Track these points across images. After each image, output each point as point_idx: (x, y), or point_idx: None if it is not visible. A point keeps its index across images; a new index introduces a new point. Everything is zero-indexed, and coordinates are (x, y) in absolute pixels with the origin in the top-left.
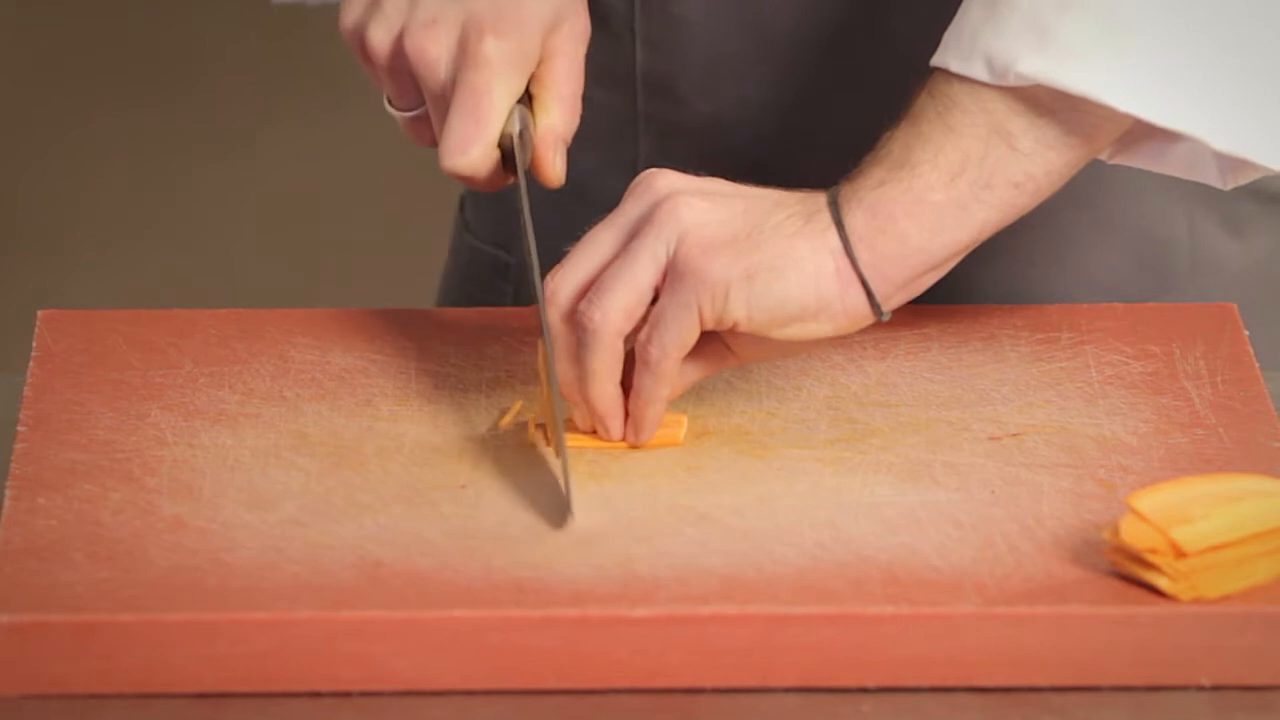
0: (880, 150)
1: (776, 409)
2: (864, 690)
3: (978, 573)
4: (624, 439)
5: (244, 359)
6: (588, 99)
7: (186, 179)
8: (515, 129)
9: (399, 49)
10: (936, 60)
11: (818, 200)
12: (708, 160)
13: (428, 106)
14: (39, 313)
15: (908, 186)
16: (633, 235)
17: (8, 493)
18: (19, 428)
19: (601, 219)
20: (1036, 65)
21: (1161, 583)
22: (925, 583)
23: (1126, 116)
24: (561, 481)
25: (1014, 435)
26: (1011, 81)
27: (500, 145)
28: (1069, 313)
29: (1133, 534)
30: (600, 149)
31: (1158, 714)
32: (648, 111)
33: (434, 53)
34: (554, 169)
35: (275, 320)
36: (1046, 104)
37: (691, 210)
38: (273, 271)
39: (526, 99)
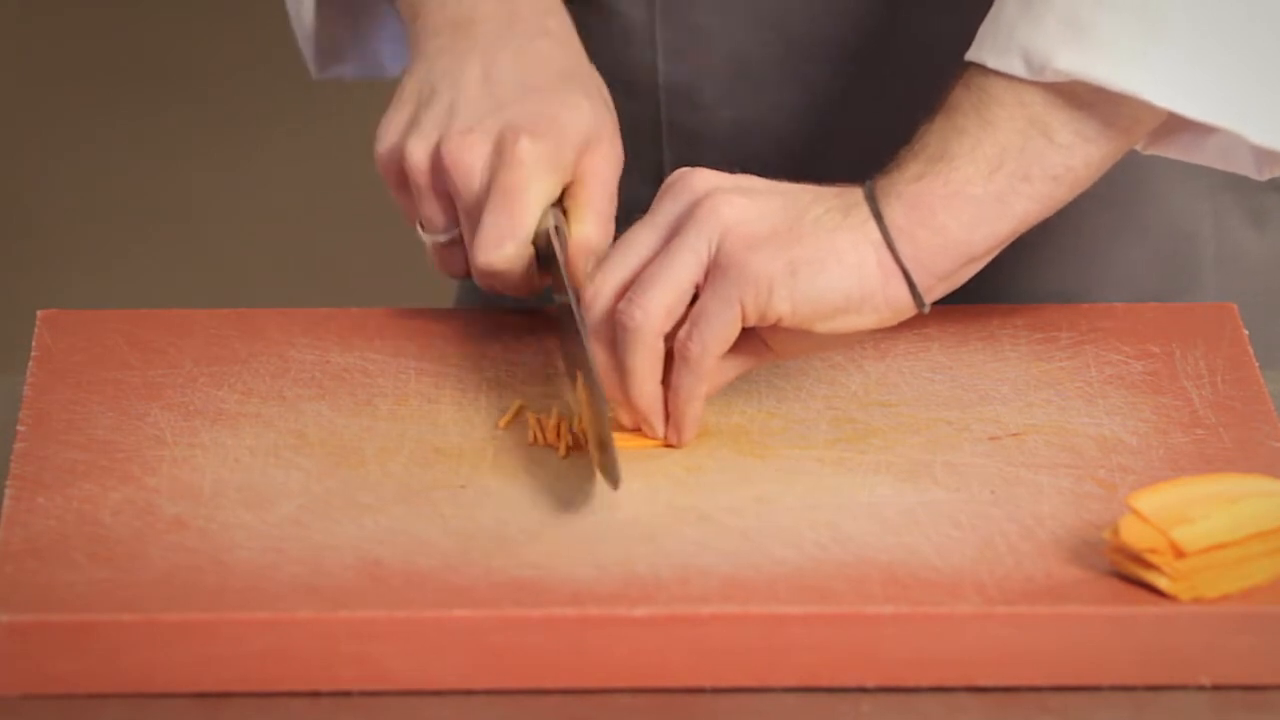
0: (917, 143)
1: (776, 409)
2: (864, 690)
3: (977, 573)
4: (665, 439)
5: (244, 359)
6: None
7: (186, 179)
8: (551, 224)
9: (437, 161)
10: (972, 54)
11: (855, 194)
12: (732, 166)
13: (461, 221)
14: (39, 313)
15: (945, 180)
16: (672, 234)
17: (8, 493)
18: (19, 428)
19: (629, 227)
20: (1073, 61)
21: (1161, 583)
22: (925, 583)
23: (1163, 111)
24: (603, 466)
25: (1014, 435)
26: (1049, 77)
27: (534, 244)
28: (1069, 312)
29: (1133, 534)
30: (625, 158)
31: (1158, 714)
32: (671, 119)
33: (469, 160)
34: (585, 278)
35: (275, 320)
36: (1084, 98)
37: (732, 207)
38: (273, 271)
39: (561, 209)
